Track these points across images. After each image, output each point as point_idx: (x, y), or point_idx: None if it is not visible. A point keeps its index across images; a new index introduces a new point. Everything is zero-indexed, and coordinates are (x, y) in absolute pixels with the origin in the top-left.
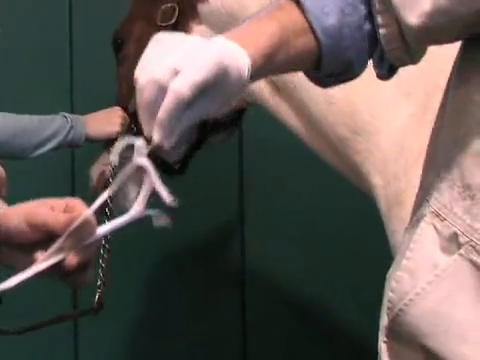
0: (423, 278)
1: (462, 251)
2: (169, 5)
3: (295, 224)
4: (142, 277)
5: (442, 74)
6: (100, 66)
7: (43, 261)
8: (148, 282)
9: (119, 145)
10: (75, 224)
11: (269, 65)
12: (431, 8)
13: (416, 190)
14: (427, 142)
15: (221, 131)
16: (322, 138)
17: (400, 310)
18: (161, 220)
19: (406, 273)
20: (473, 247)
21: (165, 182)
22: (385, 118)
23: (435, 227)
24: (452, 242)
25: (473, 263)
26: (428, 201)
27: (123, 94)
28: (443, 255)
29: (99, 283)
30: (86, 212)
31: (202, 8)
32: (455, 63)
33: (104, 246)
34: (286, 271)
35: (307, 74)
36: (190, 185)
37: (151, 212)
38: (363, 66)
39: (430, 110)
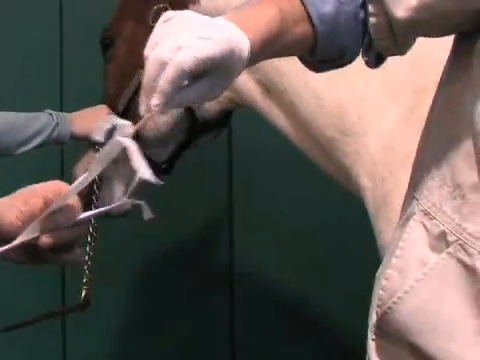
0: (412, 276)
1: (450, 250)
2: (161, 5)
3: (284, 223)
4: (130, 275)
5: (429, 77)
6: (90, 64)
7: (16, 240)
8: (136, 281)
9: (103, 125)
10: (52, 207)
11: (266, 50)
12: (417, 3)
13: (403, 192)
14: (414, 144)
15: (209, 131)
16: (311, 139)
17: (389, 308)
18: (145, 211)
19: (395, 271)
20: (461, 246)
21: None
22: (373, 120)
23: (424, 225)
24: (441, 240)
25: (461, 262)
26: (418, 199)
27: (111, 93)
28: (432, 253)
29: (85, 280)
30: (62, 195)
31: (193, 9)
32: (447, 62)
33: (90, 244)
34: (275, 270)
35: (301, 59)
36: (179, 184)
37: (133, 202)
38: (357, 53)
39: (417, 112)
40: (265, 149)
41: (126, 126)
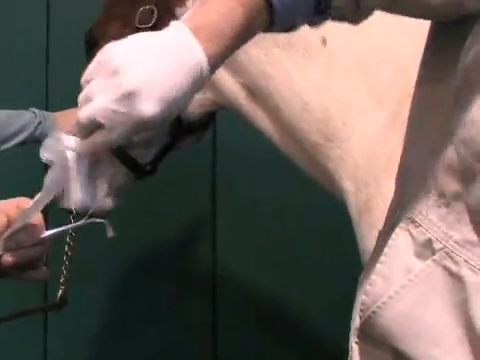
0: (397, 282)
1: (436, 257)
2: (147, 7)
3: (267, 226)
4: (111, 277)
5: (413, 83)
6: (76, 64)
7: None
8: (117, 282)
9: (50, 142)
10: (13, 227)
11: (230, 53)
12: None
13: (385, 197)
14: (398, 150)
15: (193, 133)
16: (296, 143)
17: (373, 312)
18: (108, 230)
19: (380, 277)
20: (447, 253)
21: (137, 183)
22: (357, 125)
23: (410, 233)
24: (426, 248)
25: (446, 269)
26: (404, 207)
27: None
28: (417, 260)
29: (63, 280)
30: (24, 214)
31: (180, 11)
32: (422, 58)
33: (68, 244)
34: (257, 273)
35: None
36: (162, 186)
37: (94, 221)
38: (303, 23)
39: (401, 118)
40: (249, 151)
41: (70, 139)
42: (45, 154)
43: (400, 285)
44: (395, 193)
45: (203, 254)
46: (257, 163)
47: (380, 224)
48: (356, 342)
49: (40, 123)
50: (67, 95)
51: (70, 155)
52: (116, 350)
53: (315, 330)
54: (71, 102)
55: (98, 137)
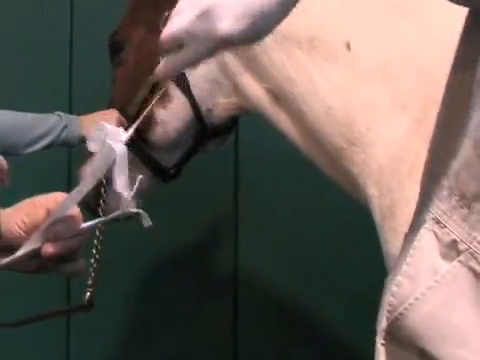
0: (423, 283)
1: (461, 258)
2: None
3: (289, 228)
4: (135, 280)
5: (438, 88)
6: (100, 67)
7: (20, 250)
8: (141, 285)
9: (97, 133)
10: (52, 217)
11: None
12: None
13: (410, 202)
14: (422, 155)
15: (216, 137)
16: (319, 148)
17: (400, 314)
18: (144, 219)
19: (406, 278)
20: (472, 254)
21: (160, 186)
22: (381, 130)
23: (435, 234)
24: (452, 249)
25: (472, 270)
26: (429, 208)
27: (120, 97)
28: (443, 261)
29: (90, 282)
30: (61, 205)
31: None
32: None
33: (96, 246)
34: (279, 275)
35: None
36: (185, 188)
37: (132, 211)
38: None
39: (425, 123)
40: (271, 154)
41: (118, 132)
42: (92, 145)
43: (426, 286)
44: (420, 194)
45: (225, 256)
46: (279, 166)
47: (404, 229)
48: (382, 343)
49: (66, 126)
50: (91, 98)
51: (117, 147)
52: (138, 351)
53: (334, 331)
54: (94, 105)
55: (179, 56)
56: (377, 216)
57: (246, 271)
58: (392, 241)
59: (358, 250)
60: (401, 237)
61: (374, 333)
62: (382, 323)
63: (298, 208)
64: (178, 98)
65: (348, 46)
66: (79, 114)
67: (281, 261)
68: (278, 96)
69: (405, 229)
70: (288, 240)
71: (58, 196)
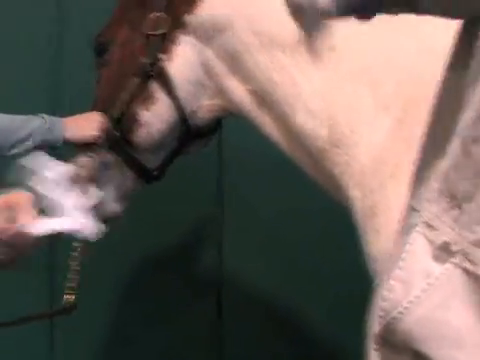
0: (416, 286)
1: (454, 259)
2: (157, 14)
3: (273, 230)
4: (118, 281)
5: (420, 91)
6: (85, 70)
7: None
8: (124, 286)
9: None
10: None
11: None
12: None
13: (391, 203)
14: (404, 156)
15: (200, 139)
16: (302, 149)
17: (393, 318)
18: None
19: (399, 282)
20: (465, 255)
21: (144, 188)
22: (364, 131)
23: (426, 236)
24: (444, 251)
25: (465, 271)
26: (419, 211)
27: (104, 98)
28: (436, 264)
29: (72, 284)
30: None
31: (190, 19)
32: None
33: (76, 248)
34: (263, 276)
35: None
36: (168, 190)
37: (83, 223)
38: None
39: (406, 124)
40: (255, 156)
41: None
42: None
43: (420, 289)
44: (409, 197)
45: (209, 257)
46: (263, 167)
47: (385, 230)
48: (375, 349)
49: (49, 129)
50: (75, 100)
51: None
52: (121, 352)
53: (317, 331)
54: (79, 107)
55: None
56: (359, 218)
57: (230, 272)
58: (374, 242)
59: (341, 251)
60: (383, 238)
61: (356, 333)
62: (374, 328)
63: (282, 209)
64: (162, 100)
65: (333, 49)
66: (63, 116)
67: (265, 262)
68: (262, 98)
69: (387, 230)
70: (272, 241)
71: (20, 196)
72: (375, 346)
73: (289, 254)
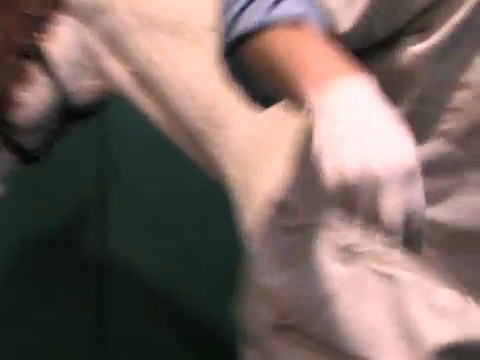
0: (325, 289)
1: (360, 260)
2: None
3: (155, 211)
4: None
5: None
6: None
7: None
8: (4, 269)
9: None
10: None
11: None
12: None
13: (266, 183)
14: (279, 137)
15: (81, 119)
16: (183, 131)
17: (300, 318)
18: None
19: (305, 284)
20: (371, 256)
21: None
22: (241, 112)
23: (330, 239)
24: (348, 252)
25: (374, 271)
26: (319, 214)
27: None
28: (341, 266)
29: None
30: None
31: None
32: None
33: None
34: (146, 257)
35: None
36: (48, 171)
37: None
38: None
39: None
40: (137, 137)
41: None
42: None
43: (328, 293)
44: (305, 201)
45: (90, 239)
46: (145, 148)
47: (261, 209)
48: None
49: None
50: None
51: None
52: (0, 335)
53: (199, 311)
54: None
55: None
56: (235, 195)
57: (112, 254)
58: (248, 220)
59: (221, 231)
60: (258, 218)
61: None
62: (269, 319)
63: (164, 190)
64: (41, 81)
65: (213, 29)
66: None
67: (147, 243)
68: (142, 79)
69: (262, 209)
70: (154, 222)
71: None
72: (276, 342)
73: (171, 235)
